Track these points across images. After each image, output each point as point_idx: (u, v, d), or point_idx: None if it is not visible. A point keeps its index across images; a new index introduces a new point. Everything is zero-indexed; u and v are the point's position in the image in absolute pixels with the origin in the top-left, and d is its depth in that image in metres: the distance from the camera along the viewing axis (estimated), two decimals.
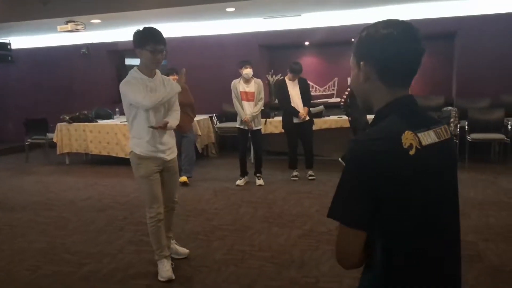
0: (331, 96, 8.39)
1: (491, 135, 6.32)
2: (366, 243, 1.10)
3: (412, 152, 1.06)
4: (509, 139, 6.37)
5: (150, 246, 3.65)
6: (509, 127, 6.40)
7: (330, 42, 7.80)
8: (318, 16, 7.56)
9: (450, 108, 6.61)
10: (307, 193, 5.44)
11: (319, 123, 6.69)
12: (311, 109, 6.12)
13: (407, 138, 1.07)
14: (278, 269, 3.35)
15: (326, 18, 7.59)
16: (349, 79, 8.15)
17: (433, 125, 1.16)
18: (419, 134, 1.10)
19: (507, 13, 6.94)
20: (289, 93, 5.87)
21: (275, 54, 8.84)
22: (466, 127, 6.50)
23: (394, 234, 1.09)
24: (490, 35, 7.05)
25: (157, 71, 3.22)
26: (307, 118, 5.89)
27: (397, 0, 6.39)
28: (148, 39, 3.02)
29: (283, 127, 6.14)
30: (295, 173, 6.13)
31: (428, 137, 1.12)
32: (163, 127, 3.12)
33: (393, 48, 1.12)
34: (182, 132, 5.79)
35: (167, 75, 5.54)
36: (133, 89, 3.05)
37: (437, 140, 1.14)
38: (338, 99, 8.07)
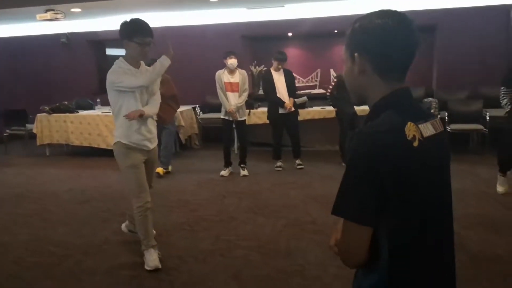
0: (314, 87, 8.45)
1: (470, 125, 6.46)
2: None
3: (415, 144, 1.05)
4: (487, 130, 6.53)
5: (135, 237, 3.67)
6: (488, 118, 6.55)
7: (313, 33, 7.84)
8: (301, 7, 7.58)
9: (430, 99, 6.73)
10: (292, 183, 5.48)
11: (303, 114, 6.73)
12: (294, 100, 6.16)
13: (410, 129, 1.06)
14: (264, 258, 3.38)
15: (309, 10, 7.61)
16: (332, 70, 8.24)
17: (429, 117, 1.15)
18: (419, 126, 1.09)
19: (486, 6, 7.07)
20: (275, 84, 5.89)
21: (258, 45, 8.83)
22: (446, 118, 6.64)
23: (399, 228, 1.06)
24: (469, 28, 7.18)
25: (142, 62, 3.22)
26: (293, 109, 5.92)
27: None
28: (136, 31, 3.02)
29: (268, 118, 6.16)
30: (279, 164, 6.18)
31: (428, 129, 1.11)
32: (140, 116, 3.11)
33: (389, 39, 1.08)
34: (163, 124, 5.77)
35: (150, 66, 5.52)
36: (124, 75, 3.06)
37: (434, 132, 1.13)
38: (321, 90, 8.14)
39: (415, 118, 1.09)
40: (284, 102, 5.86)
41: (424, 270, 1.11)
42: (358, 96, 1.20)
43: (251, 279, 3.06)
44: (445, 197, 1.19)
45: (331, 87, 6.31)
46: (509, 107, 4.53)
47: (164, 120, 5.78)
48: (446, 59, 7.39)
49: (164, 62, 3.16)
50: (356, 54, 1.13)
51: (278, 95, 5.89)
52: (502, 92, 4.59)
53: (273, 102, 5.97)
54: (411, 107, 1.14)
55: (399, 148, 1.03)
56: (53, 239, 3.91)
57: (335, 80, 6.19)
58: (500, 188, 4.75)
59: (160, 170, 5.89)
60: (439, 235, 1.15)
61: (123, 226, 3.79)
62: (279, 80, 5.92)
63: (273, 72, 5.95)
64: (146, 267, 3.21)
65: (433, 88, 7.64)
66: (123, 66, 3.12)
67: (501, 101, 4.61)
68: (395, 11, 1.12)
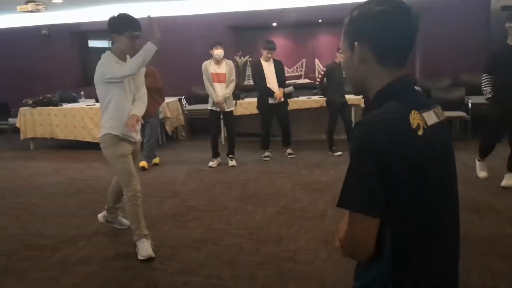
0: (299, 77, 8.49)
1: (453, 113, 6.60)
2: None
3: (420, 133, 1.04)
4: (469, 117, 6.67)
5: (127, 229, 3.69)
6: (470, 105, 6.69)
7: (298, 23, 7.85)
8: None
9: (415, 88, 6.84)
10: (279, 172, 5.54)
11: (289, 104, 6.77)
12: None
13: (414, 118, 1.04)
14: (256, 245, 3.43)
15: None
16: (317, 60, 8.29)
17: (432, 105, 1.15)
18: (423, 114, 1.07)
19: None
20: (265, 74, 5.92)
21: (243, 35, 8.82)
22: None
23: (404, 217, 1.04)
24: (450, 17, 7.30)
25: (127, 56, 3.25)
26: (282, 99, 5.97)
27: None
28: (126, 25, 3.08)
29: (257, 108, 6.19)
30: (266, 154, 6.23)
31: (431, 117, 1.10)
32: (137, 122, 3.21)
33: (389, 26, 1.07)
34: (146, 117, 5.75)
35: None
36: (112, 67, 3.07)
37: (437, 120, 1.12)
38: (306, 80, 8.19)
39: (418, 106, 1.08)
40: (273, 92, 5.90)
41: (427, 261, 1.09)
42: (358, 86, 1.19)
43: (244, 265, 3.11)
44: (452, 185, 1.18)
45: (320, 76, 6.36)
46: (491, 94, 4.62)
47: (147, 114, 5.76)
48: (428, 48, 7.51)
49: (148, 47, 3.04)
50: (356, 43, 1.12)
51: (267, 85, 5.92)
52: (485, 79, 4.61)
53: (263, 92, 5.99)
54: (413, 95, 1.14)
55: (404, 137, 1.02)
56: (43, 232, 3.89)
57: (324, 69, 6.24)
58: (481, 173, 4.87)
59: (144, 163, 5.86)
60: (444, 224, 1.14)
61: (100, 215, 3.86)
62: (269, 70, 5.95)
63: (263, 62, 5.97)
64: (140, 257, 3.23)
65: (416, 77, 7.76)
66: (111, 58, 3.14)
67: (484, 88, 4.66)
68: None
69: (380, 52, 1.10)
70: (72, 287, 2.94)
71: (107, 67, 3.09)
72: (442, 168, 1.12)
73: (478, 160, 4.90)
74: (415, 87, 1.19)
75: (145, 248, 3.24)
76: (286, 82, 7.75)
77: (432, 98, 6.80)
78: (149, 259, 3.21)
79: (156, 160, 6.15)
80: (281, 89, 5.98)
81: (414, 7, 1.12)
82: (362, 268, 1.16)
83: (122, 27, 3.09)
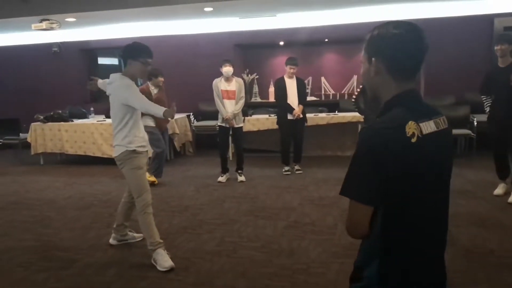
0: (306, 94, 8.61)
1: (458, 130, 6.71)
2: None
3: (414, 140, 1.21)
4: (474, 134, 6.77)
5: (141, 241, 3.77)
6: (475, 123, 6.80)
7: (305, 42, 8.03)
8: (293, 17, 7.78)
9: None
10: (287, 187, 5.63)
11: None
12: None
13: (410, 127, 1.22)
14: (269, 257, 3.50)
15: (301, 19, 7.82)
16: (323, 78, 8.44)
17: (434, 115, 1.32)
18: (420, 124, 1.24)
19: (469, 16, 7.38)
20: (287, 90, 6.11)
21: (250, 54, 9.01)
22: None
23: (393, 212, 1.24)
24: (455, 36, 7.48)
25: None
26: (301, 116, 6.14)
27: (368, 1, 6.68)
28: (142, 52, 3.37)
29: (277, 123, 6.40)
30: (286, 168, 6.38)
31: (428, 127, 1.27)
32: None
33: (402, 47, 1.28)
34: (162, 130, 5.98)
35: (151, 76, 5.70)
36: (143, 97, 3.40)
37: (435, 129, 1.29)
38: (313, 98, 8.33)
39: (419, 117, 1.25)
40: (293, 109, 6.09)
41: (413, 243, 1.29)
42: (373, 94, 1.39)
43: (258, 277, 3.17)
44: (442, 187, 1.34)
45: (356, 93, 6.50)
46: (488, 112, 4.82)
47: (164, 127, 6.01)
48: (433, 66, 7.62)
49: (160, 110, 3.36)
50: (373, 58, 1.32)
51: (288, 101, 6.12)
52: (484, 100, 4.90)
53: (283, 107, 6.19)
54: (418, 105, 1.31)
55: (398, 143, 1.20)
56: (59, 244, 3.96)
57: (359, 88, 6.38)
58: (495, 191, 4.91)
59: (153, 179, 5.88)
60: (430, 217, 1.31)
61: (111, 240, 3.92)
62: (291, 87, 6.16)
63: (286, 79, 6.21)
64: (160, 268, 3.30)
65: (421, 94, 7.87)
66: (131, 83, 3.39)
67: (485, 109, 4.90)
68: (409, 22, 1.32)
69: (392, 67, 1.30)
70: None
71: (142, 98, 3.39)
72: (434, 171, 1.29)
73: (500, 182, 4.95)
74: (421, 99, 1.36)
75: (164, 260, 3.33)
76: None
77: None
78: (165, 271, 3.28)
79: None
80: (301, 106, 6.17)
81: (420, 27, 1.30)
82: (360, 246, 1.37)
83: (138, 53, 3.37)
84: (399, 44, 1.28)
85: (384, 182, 1.20)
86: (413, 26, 1.30)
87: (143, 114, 3.72)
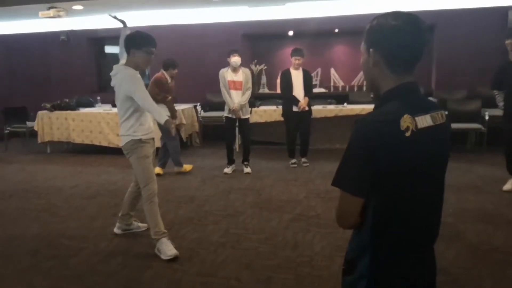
0: (314, 86, 8.54)
1: (469, 125, 6.62)
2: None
3: (408, 134, 1.20)
4: (485, 129, 6.69)
5: (146, 231, 3.78)
6: (487, 118, 6.71)
7: (314, 32, 7.93)
8: (302, 6, 7.70)
9: (430, 99, 6.89)
10: (293, 180, 5.61)
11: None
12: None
13: (405, 121, 1.20)
14: (273, 249, 3.50)
15: (310, 9, 7.73)
16: (332, 69, 8.37)
17: (432, 110, 1.29)
18: (416, 118, 1.22)
19: (482, 8, 7.25)
20: (292, 82, 6.04)
21: (258, 44, 8.94)
22: None
23: (384, 205, 1.24)
24: (467, 28, 7.35)
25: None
26: (306, 108, 6.08)
27: None
28: (146, 41, 3.32)
29: (282, 115, 6.33)
30: (293, 161, 6.34)
31: (424, 121, 1.24)
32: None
33: (400, 38, 1.24)
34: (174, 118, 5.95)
35: (168, 67, 5.67)
36: (147, 95, 3.36)
37: (432, 124, 1.26)
38: (322, 89, 8.26)
39: (415, 110, 1.23)
40: (299, 101, 6.02)
41: (402, 234, 1.28)
42: (371, 85, 1.36)
43: (262, 268, 3.17)
44: (435, 180, 1.33)
45: None
46: (503, 107, 4.73)
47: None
48: (445, 59, 7.56)
49: (164, 117, 3.40)
50: (371, 49, 1.29)
51: (294, 93, 6.05)
52: (496, 95, 4.82)
53: (288, 99, 6.13)
54: (415, 99, 1.28)
55: (391, 137, 1.19)
56: (65, 233, 3.99)
57: None
58: (505, 186, 4.84)
59: (159, 170, 5.89)
60: (422, 212, 1.29)
61: (115, 229, 3.94)
62: (297, 79, 6.09)
63: (292, 70, 6.12)
64: (164, 257, 3.32)
65: (432, 88, 7.80)
66: (135, 73, 3.34)
67: (498, 104, 4.82)
68: (408, 13, 1.27)
69: (390, 59, 1.27)
70: (96, 285, 3.03)
71: (149, 98, 3.35)
72: (428, 165, 1.27)
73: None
74: (420, 92, 1.33)
75: (168, 248, 3.34)
76: None
77: (449, 109, 6.84)
78: (170, 260, 3.29)
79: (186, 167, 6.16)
80: (306, 98, 6.09)
81: (432, 20, 1.29)
82: (352, 236, 1.38)
83: (141, 43, 3.31)
84: (396, 35, 1.24)
85: (376, 175, 1.20)
86: (412, 18, 1.26)
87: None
